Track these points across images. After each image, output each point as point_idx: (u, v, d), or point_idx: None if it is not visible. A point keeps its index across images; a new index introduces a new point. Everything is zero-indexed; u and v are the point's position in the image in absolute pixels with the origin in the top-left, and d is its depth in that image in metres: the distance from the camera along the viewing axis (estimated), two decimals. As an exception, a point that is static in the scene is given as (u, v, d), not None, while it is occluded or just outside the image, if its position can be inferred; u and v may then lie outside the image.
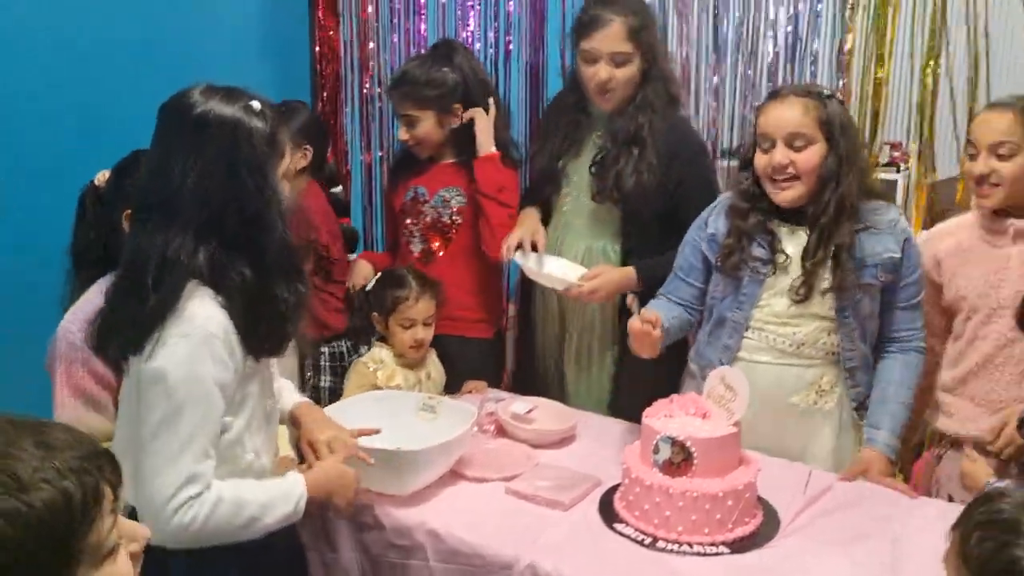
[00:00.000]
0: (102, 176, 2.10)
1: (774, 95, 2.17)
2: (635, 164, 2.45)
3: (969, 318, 2.19)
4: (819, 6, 2.69)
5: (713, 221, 2.22)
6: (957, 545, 1.24)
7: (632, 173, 2.45)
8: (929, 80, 2.61)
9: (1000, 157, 2.07)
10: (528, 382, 2.72)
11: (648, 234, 2.49)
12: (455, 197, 2.69)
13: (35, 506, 0.88)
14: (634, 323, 2.08)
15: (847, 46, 2.68)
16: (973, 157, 2.12)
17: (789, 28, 2.74)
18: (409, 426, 2.09)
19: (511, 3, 3.12)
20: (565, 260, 2.55)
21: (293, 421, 1.87)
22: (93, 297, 1.90)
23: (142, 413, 1.52)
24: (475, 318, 2.73)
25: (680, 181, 2.46)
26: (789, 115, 2.06)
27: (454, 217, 2.69)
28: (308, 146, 2.74)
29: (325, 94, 3.44)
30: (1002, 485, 1.89)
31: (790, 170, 2.05)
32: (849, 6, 2.62)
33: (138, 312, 1.51)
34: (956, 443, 2.24)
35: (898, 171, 3.16)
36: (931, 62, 2.59)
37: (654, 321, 2.06)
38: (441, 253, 2.70)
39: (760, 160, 2.09)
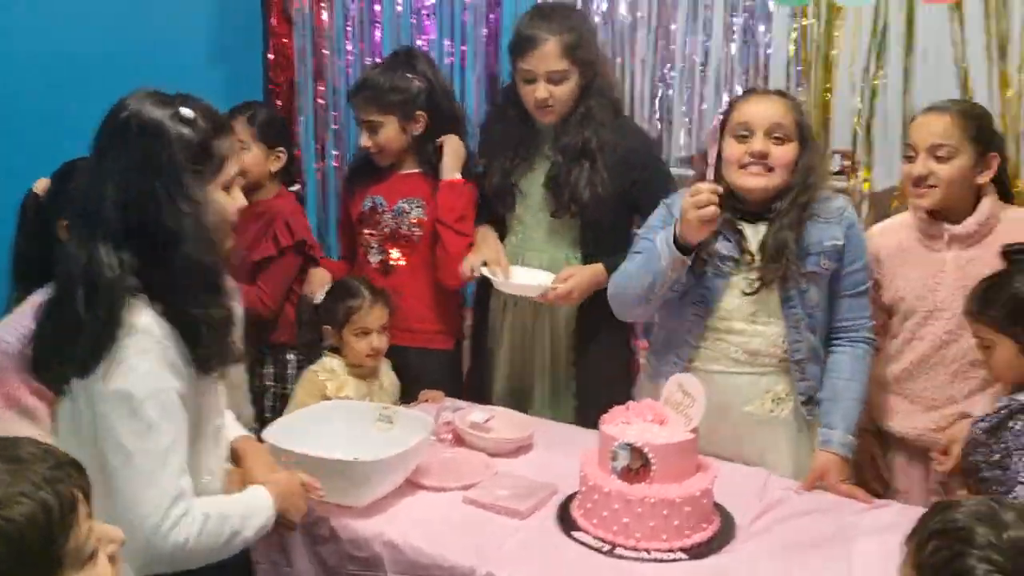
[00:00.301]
0: (41, 184, 2.06)
1: (754, 91, 2.23)
2: (588, 176, 2.46)
3: (907, 318, 2.24)
4: (771, 19, 2.73)
5: (678, 208, 2.15)
6: (912, 555, 1.24)
7: (587, 185, 2.46)
8: (868, 92, 2.66)
9: (938, 159, 2.12)
10: (487, 392, 2.71)
11: (608, 240, 2.51)
12: (415, 208, 2.67)
13: (16, 520, 0.93)
14: (694, 197, 1.99)
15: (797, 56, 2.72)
16: (911, 159, 2.17)
17: (741, 38, 2.77)
18: (366, 436, 2.07)
19: (466, 13, 3.12)
20: (529, 269, 2.56)
21: (234, 456, 1.81)
22: (28, 309, 1.85)
23: (108, 436, 1.47)
24: (435, 330, 2.71)
25: (637, 183, 2.48)
26: (772, 108, 2.10)
27: (413, 228, 2.67)
28: (282, 148, 2.71)
29: (279, 102, 3.40)
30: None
31: (767, 160, 2.08)
32: (799, 18, 2.67)
33: (80, 332, 1.46)
34: (897, 440, 2.30)
35: (848, 179, 3.22)
36: (875, 74, 2.65)
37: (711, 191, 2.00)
38: (402, 263, 2.68)
39: (735, 149, 2.10)
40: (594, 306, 2.47)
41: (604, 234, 2.51)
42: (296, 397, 2.36)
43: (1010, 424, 1.93)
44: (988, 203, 2.17)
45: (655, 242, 2.10)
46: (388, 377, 2.49)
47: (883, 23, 2.59)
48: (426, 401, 2.50)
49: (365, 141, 2.63)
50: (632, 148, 2.53)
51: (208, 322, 1.53)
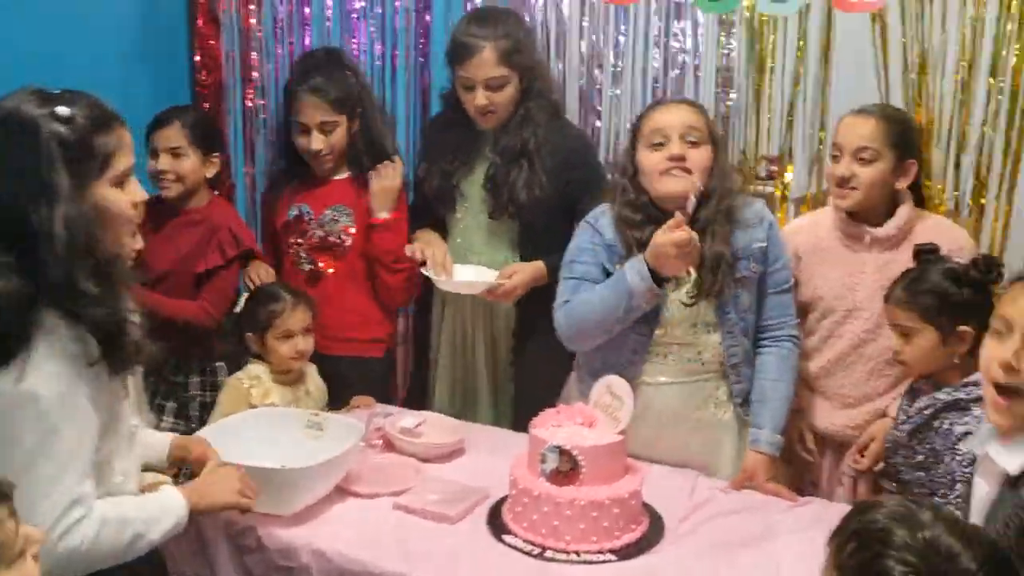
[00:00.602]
0: None
1: (660, 101, 2.26)
2: (527, 177, 2.47)
3: (824, 316, 2.30)
4: (700, 27, 2.77)
5: (606, 229, 2.20)
6: (833, 556, 1.25)
7: (524, 186, 2.47)
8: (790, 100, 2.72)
9: (861, 161, 2.18)
10: (429, 397, 2.70)
11: (545, 241, 2.51)
12: (343, 216, 2.64)
13: None
14: (674, 234, 1.99)
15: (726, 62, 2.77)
16: (836, 159, 2.22)
17: (674, 44, 2.81)
18: (295, 443, 2.05)
19: (397, 17, 3.11)
20: (472, 267, 2.56)
21: (178, 449, 1.82)
22: None
23: (12, 437, 1.43)
24: (367, 338, 2.69)
25: (574, 184, 2.50)
26: (683, 114, 2.14)
27: (343, 236, 2.63)
28: (217, 154, 2.66)
29: (207, 105, 3.34)
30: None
31: (685, 163, 2.09)
32: (728, 25, 2.72)
33: None
34: (819, 437, 2.34)
35: (776, 185, 3.28)
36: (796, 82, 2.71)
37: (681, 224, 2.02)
38: (331, 271, 2.64)
39: (652, 157, 2.12)
40: (533, 308, 2.48)
41: (542, 235, 2.51)
42: (221, 406, 2.31)
43: (935, 424, 1.98)
44: (906, 208, 2.23)
45: (626, 272, 2.08)
46: (315, 383, 2.46)
47: (805, 31, 2.65)
48: (357, 407, 2.48)
49: (318, 144, 2.56)
50: (571, 149, 2.55)
51: (111, 322, 1.49)
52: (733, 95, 2.75)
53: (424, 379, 2.75)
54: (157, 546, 1.59)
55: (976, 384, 1.93)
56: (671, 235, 1.99)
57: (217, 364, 2.62)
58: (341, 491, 1.99)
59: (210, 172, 2.64)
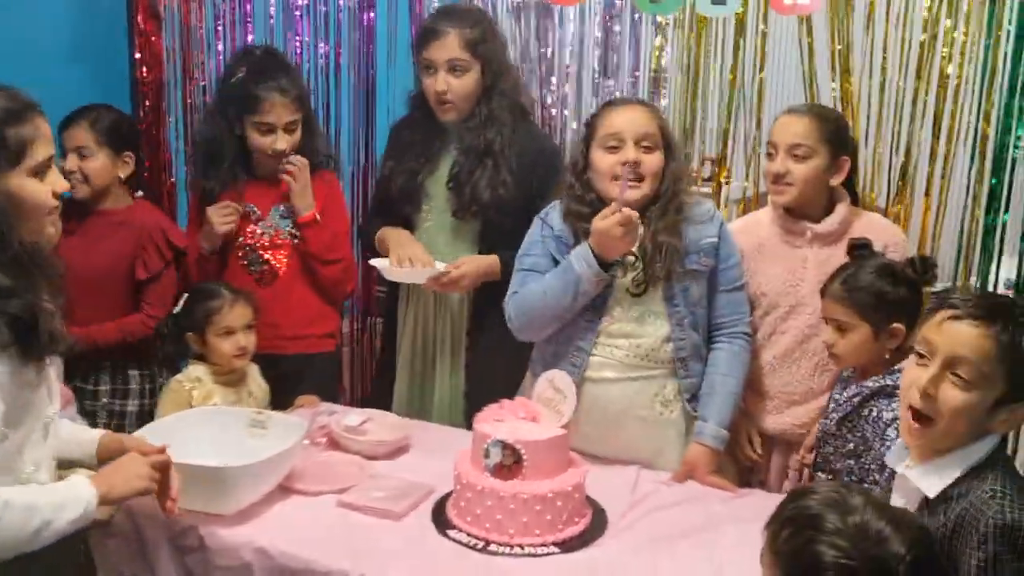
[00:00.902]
0: None
1: (617, 102, 2.27)
2: (490, 177, 2.49)
3: (768, 313, 2.33)
4: (638, 27, 2.81)
5: (557, 222, 2.23)
6: (770, 542, 1.29)
7: (488, 186, 2.48)
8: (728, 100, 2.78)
9: (796, 158, 2.23)
10: (387, 393, 2.70)
11: (508, 242, 2.48)
12: (292, 212, 2.61)
13: None
14: (617, 216, 2.04)
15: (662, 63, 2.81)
16: (772, 156, 2.27)
17: (607, 47, 2.85)
18: (239, 442, 2.03)
19: (341, 15, 3.10)
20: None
21: (107, 450, 1.78)
22: None
23: None
24: (321, 333, 2.69)
25: (540, 187, 2.51)
26: (640, 118, 2.16)
27: (293, 231, 2.62)
28: (130, 153, 2.61)
29: (147, 103, 3.29)
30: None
31: (639, 169, 2.13)
32: (661, 27, 2.76)
33: None
34: (763, 436, 2.38)
35: (718, 185, 3.34)
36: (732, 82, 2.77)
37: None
38: (282, 269, 2.62)
39: (607, 159, 2.15)
40: (487, 305, 2.49)
41: (505, 236, 2.49)
42: (161, 410, 2.27)
43: (864, 411, 2.03)
44: (844, 206, 2.29)
45: (571, 258, 2.12)
46: (257, 384, 2.43)
47: (742, 33, 2.70)
48: (301, 407, 2.47)
49: (283, 144, 2.54)
50: (538, 151, 2.57)
51: (26, 313, 1.47)
52: (664, 99, 2.79)
53: (391, 379, 2.73)
54: (82, 542, 1.56)
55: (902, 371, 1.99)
56: (613, 217, 2.03)
57: (129, 372, 2.58)
58: (285, 489, 1.98)
59: (123, 172, 2.59)
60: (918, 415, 1.46)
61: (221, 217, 2.55)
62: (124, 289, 2.56)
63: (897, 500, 1.54)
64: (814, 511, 1.25)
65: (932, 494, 1.45)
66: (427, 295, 2.61)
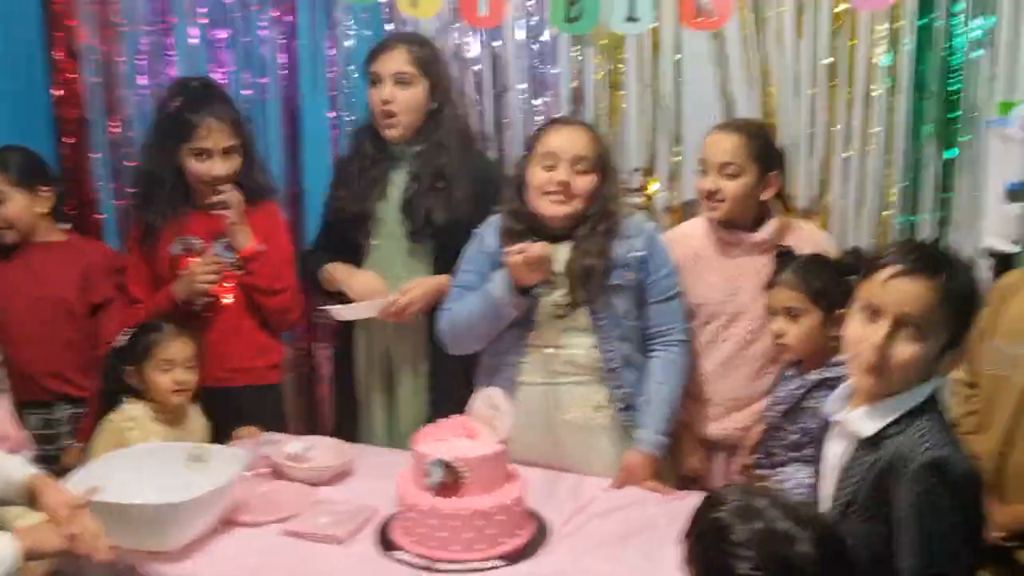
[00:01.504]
0: None
1: (560, 121, 2.33)
2: (443, 200, 2.51)
3: (708, 322, 2.39)
4: (556, 41, 2.88)
5: (490, 237, 2.29)
6: (685, 555, 1.31)
7: (442, 209, 2.50)
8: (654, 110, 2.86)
9: (727, 176, 2.29)
10: (351, 422, 2.68)
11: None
12: (242, 208, 2.58)
13: None
14: (528, 251, 2.13)
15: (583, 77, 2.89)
16: (704, 173, 2.33)
17: (532, 61, 2.91)
18: (179, 478, 2.01)
19: (264, 46, 3.11)
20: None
21: (30, 493, 1.75)
22: None
23: None
24: (266, 365, 2.68)
25: (490, 209, 2.51)
26: (577, 140, 2.21)
27: (237, 262, 2.59)
28: (46, 187, 2.59)
29: (70, 140, 3.26)
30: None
31: (568, 190, 2.18)
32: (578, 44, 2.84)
33: None
34: (710, 442, 2.44)
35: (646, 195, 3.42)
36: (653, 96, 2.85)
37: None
38: (227, 301, 2.59)
39: (540, 176, 2.21)
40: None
41: (456, 256, 2.51)
42: (94, 451, 2.21)
43: (805, 404, 2.10)
44: (776, 219, 2.36)
45: (491, 285, 2.20)
46: (198, 422, 2.40)
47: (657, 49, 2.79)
48: (242, 438, 2.45)
49: (220, 169, 2.52)
50: (488, 175, 2.59)
51: None
52: (587, 113, 2.86)
53: (353, 411, 2.71)
54: None
55: (842, 364, 2.07)
56: (517, 257, 2.12)
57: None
58: (229, 523, 1.98)
59: (42, 207, 2.59)
60: (872, 368, 1.50)
61: (205, 272, 2.52)
62: (73, 318, 2.56)
63: (833, 447, 1.60)
64: (723, 523, 1.26)
65: (866, 434, 1.51)
66: (381, 325, 2.59)
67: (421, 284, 2.49)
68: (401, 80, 2.50)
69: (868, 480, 1.51)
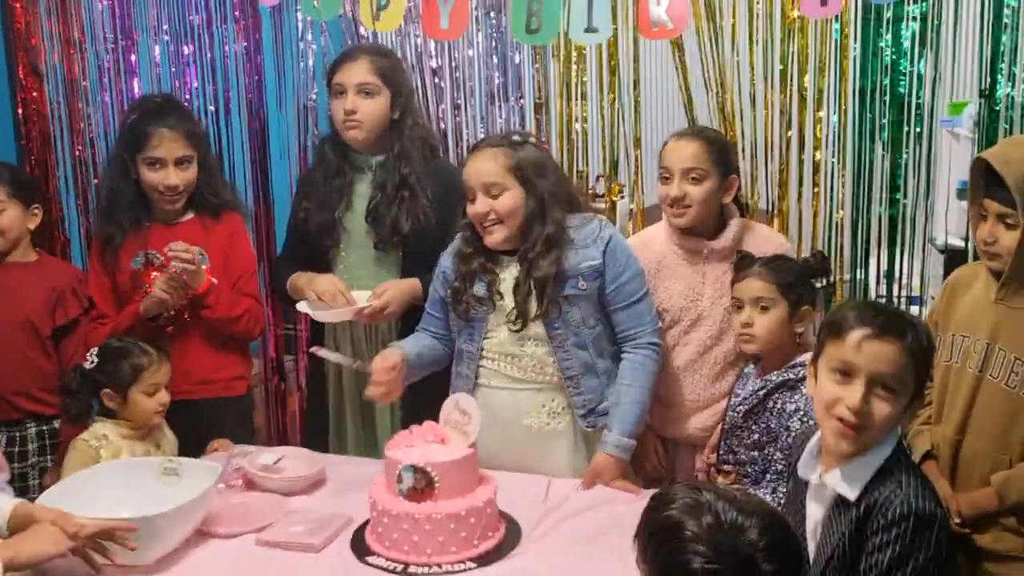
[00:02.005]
0: None
1: (475, 148, 2.32)
2: (408, 208, 2.54)
3: (671, 327, 2.44)
4: (517, 56, 2.93)
5: (445, 260, 2.35)
6: (639, 553, 1.34)
7: (408, 217, 2.54)
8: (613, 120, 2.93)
9: (692, 181, 2.34)
10: (322, 435, 2.70)
11: (430, 269, 2.54)
12: (197, 256, 2.59)
13: None
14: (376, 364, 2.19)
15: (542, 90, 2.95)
16: (667, 180, 2.37)
17: (495, 75, 2.96)
18: (152, 491, 2.02)
19: (228, 61, 3.14)
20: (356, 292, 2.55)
21: (20, 518, 1.77)
22: None
23: None
24: (232, 376, 2.69)
25: (450, 221, 2.55)
26: (483, 166, 2.22)
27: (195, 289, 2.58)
28: (38, 205, 2.61)
29: (33, 158, 3.25)
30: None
31: (491, 216, 2.21)
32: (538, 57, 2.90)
33: None
34: (672, 442, 2.50)
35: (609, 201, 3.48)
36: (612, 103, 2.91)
37: (393, 365, 2.20)
38: (188, 315, 2.60)
39: (471, 210, 2.25)
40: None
41: (426, 263, 2.53)
42: (67, 471, 2.20)
43: (768, 404, 2.15)
44: (736, 222, 2.41)
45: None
46: (167, 437, 2.41)
47: (616, 58, 2.86)
48: (215, 450, 2.47)
49: (174, 179, 2.53)
50: (451, 183, 2.59)
51: None
52: (542, 120, 2.92)
53: (324, 422, 2.73)
54: None
55: (803, 365, 2.12)
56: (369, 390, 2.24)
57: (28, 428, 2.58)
58: (203, 534, 1.99)
59: (32, 224, 2.60)
60: (850, 426, 1.57)
61: (167, 287, 2.52)
62: (41, 338, 2.56)
63: (813, 508, 1.65)
64: (673, 520, 1.29)
65: (854, 497, 1.56)
66: (355, 328, 2.63)
67: (395, 286, 2.51)
68: (364, 90, 2.53)
69: (847, 535, 1.56)
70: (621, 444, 2.23)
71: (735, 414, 2.22)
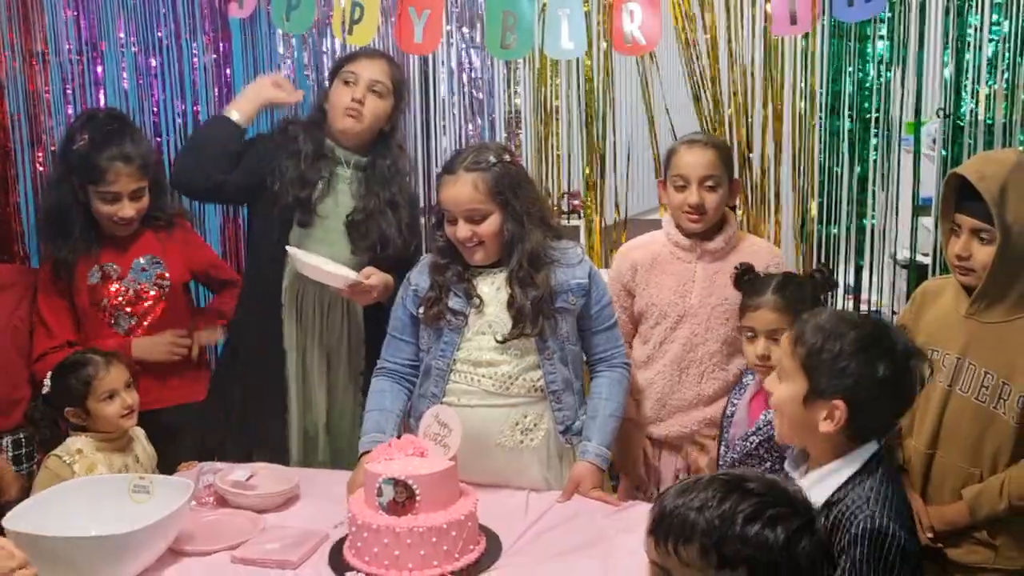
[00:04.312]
0: None
1: (448, 170, 2.26)
2: (396, 224, 2.57)
3: (659, 323, 2.48)
4: (490, 72, 2.95)
5: (416, 277, 2.33)
6: (696, 566, 1.26)
7: (397, 233, 2.57)
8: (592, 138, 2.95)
9: (709, 189, 2.37)
10: (279, 440, 2.64)
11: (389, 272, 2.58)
12: (153, 265, 2.63)
13: None
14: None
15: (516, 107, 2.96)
16: (683, 188, 2.39)
17: (469, 90, 2.97)
18: (123, 509, 1.97)
19: (196, 73, 3.11)
20: (321, 257, 2.53)
21: None
22: None
23: None
24: (193, 380, 2.69)
25: (411, 232, 2.62)
26: (462, 194, 2.19)
27: (158, 283, 2.62)
28: None
29: (-6, 172, 3.20)
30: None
31: (474, 239, 2.21)
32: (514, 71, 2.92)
33: None
34: (657, 442, 2.52)
35: (579, 217, 3.50)
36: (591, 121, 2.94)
37: None
38: (147, 323, 2.61)
39: (449, 230, 2.24)
40: (376, 339, 2.50)
41: (387, 270, 2.55)
42: (37, 489, 2.15)
43: None
44: (732, 226, 2.46)
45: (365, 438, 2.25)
46: (143, 448, 2.37)
47: (590, 73, 2.89)
48: (184, 469, 2.42)
49: (129, 212, 2.53)
50: (414, 200, 2.71)
51: None
52: (515, 136, 2.93)
53: (283, 430, 2.66)
54: None
55: None
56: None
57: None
58: (176, 553, 1.95)
59: None
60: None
61: (171, 347, 2.62)
62: (16, 353, 2.55)
63: None
64: (729, 507, 1.24)
65: (820, 502, 1.55)
66: (310, 318, 2.61)
67: (377, 272, 2.50)
68: (375, 88, 2.53)
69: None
70: (601, 453, 2.25)
71: (748, 444, 2.15)
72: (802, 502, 1.28)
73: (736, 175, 2.48)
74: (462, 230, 2.21)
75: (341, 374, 2.66)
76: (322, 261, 2.49)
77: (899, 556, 1.51)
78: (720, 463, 2.27)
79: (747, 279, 2.24)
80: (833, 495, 1.59)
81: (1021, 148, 2.43)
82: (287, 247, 2.51)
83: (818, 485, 1.61)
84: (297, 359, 2.62)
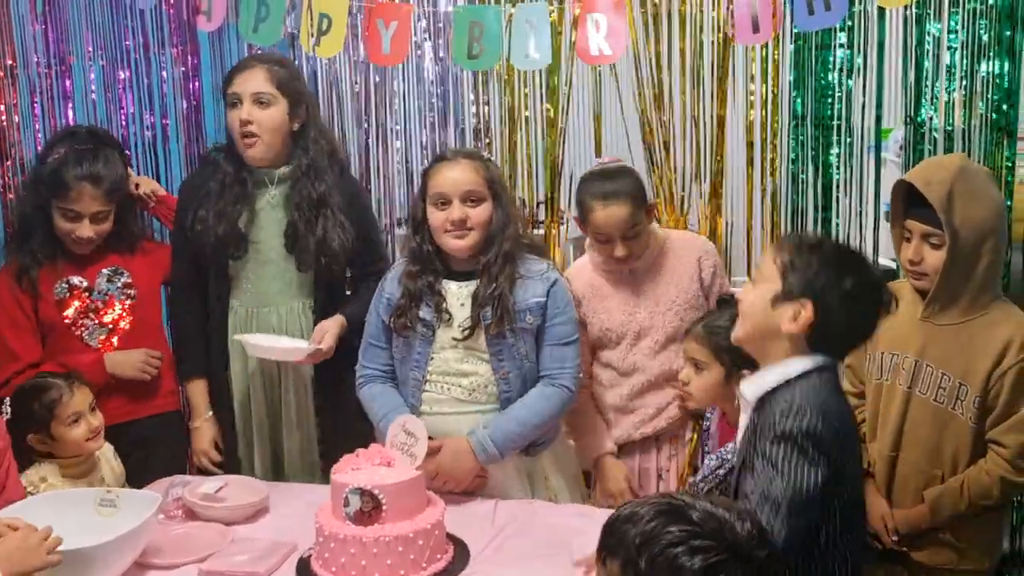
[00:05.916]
0: None
1: (444, 158, 2.32)
2: (332, 226, 2.52)
3: (618, 343, 2.51)
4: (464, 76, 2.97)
5: (389, 285, 2.35)
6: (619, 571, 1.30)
7: (335, 236, 2.52)
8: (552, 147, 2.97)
9: (630, 238, 2.38)
10: (234, 459, 2.65)
11: (337, 287, 2.61)
12: (119, 276, 2.62)
13: None
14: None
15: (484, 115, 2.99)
16: (607, 242, 2.41)
17: (437, 98, 2.99)
18: (89, 523, 1.96)
19: (165, 86, 3.11)
20: (270, 335, 2.54)
21: None
22: None
23: None
24: (166, 391, 2.69)
25: (362, 232, 2.60)
26: (463, 175, 2.25)
27: (127, 292, 2.62)
28: None
29: (-39, 186, 3.17)
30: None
31: (467, 223, 2.24)
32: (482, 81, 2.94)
33: None
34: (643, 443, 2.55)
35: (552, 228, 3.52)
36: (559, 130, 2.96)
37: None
38: (117, 337, 2.60)
39: (437, 217, 2.25)
40: (332, 360, 2.50)
41: (337, 282, 2.57)
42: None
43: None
44: (654, 239, 2.49)
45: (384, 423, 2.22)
46: (110, 467, 2.36)
47: (556, 83, 2.91)
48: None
49: (88, 232, 2.51)
50: (358, 197, 2.67)
51: None
52: (486, 144, 2.95)
53: (233, 445, 2.67)
54: None
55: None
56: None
57: None
58: (143, 566, 1.95)
59: None
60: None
61: (144, 365, 2.60)
62: None
63: (743, 419, 1.72)
64: (658, 527, 1.28)
65: (750, 397, 1.65)
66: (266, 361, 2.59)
67: (330, 330, 2.48)
68: (260, 100, 2.49)
69: (745, 441, 1.66)
70: (484, 442, 2.22)
71: (716, 475, 2.11)
72: (741, 543, 1.29)
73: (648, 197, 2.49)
74: (456, 211, 2.23)
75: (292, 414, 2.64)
76: (273, 339, 2.50)
77: (809, 457, 1.54)
78: (697, 479, 2.25)
79: (720, 305, 2.26)
80: (767, 395, 1.63)
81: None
82: (235, 336, 2.53)
83: (754, 385, 1.67)
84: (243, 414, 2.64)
